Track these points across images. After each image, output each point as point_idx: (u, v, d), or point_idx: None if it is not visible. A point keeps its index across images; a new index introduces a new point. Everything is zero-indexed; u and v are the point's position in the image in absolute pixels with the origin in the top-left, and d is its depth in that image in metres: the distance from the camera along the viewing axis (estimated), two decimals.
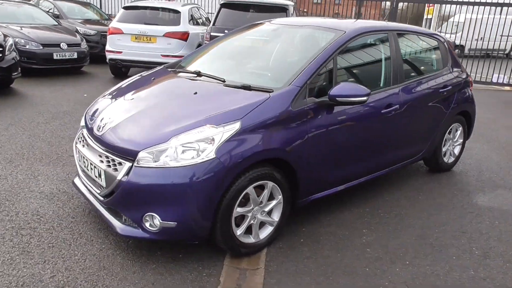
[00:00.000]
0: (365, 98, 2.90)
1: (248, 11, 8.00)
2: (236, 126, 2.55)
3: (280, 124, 2.72)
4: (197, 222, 2.52)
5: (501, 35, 11.15)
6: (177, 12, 8.51)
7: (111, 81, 8.58)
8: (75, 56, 8.77)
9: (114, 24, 8.47)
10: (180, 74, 3.41)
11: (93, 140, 2.85)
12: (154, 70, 3.72)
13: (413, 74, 3.87)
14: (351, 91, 2.89)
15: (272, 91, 2.83)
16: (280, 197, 2.83)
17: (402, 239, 3.07)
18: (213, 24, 7.83)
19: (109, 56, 8.41)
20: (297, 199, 2.98)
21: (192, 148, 2.47)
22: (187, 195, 2.45)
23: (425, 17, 30.33)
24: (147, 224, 2.54)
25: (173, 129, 2.57)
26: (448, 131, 4.29)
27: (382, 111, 3.35)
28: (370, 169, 3.52)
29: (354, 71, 3.42)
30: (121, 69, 8.87)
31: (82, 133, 3.05)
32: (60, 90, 7.40)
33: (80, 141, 3.02)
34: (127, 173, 2.52)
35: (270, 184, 2.74)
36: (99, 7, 15.03)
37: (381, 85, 3.47)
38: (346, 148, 3.20)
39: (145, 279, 2.49)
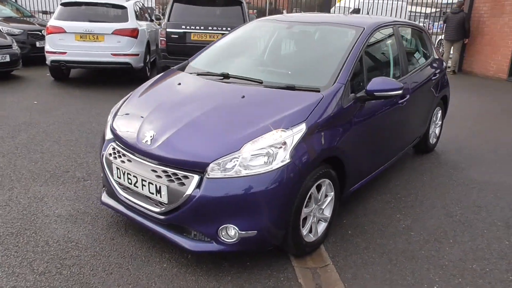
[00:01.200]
0: (401, 91, 3.05)
1: (202, 5, 7.80)
2: (303, 127, 2.55)
3: (335, 121, 2.77)
4: (276, 228, 2.50)
5: None
6: (123, 7, 8.01)
7: (54, 84, 7.88)
8: (7, 59, 7.87)
9: (53, 22, 7.72)
10: (208, 77, 3.27)
11: (139, 155, 2.64)
12: (169, 74, 3.52)
13: (412, 64, 4.14)
14: (386, 85, 3.02)
15: (319, 90, 2.86)
16: (333, 193, 2.89)
17: (434, 220, 3.31)
18: (168, 20, 7.52)
19: (50, 57, 7.66)
20: (342, 193, 3.06)
21: (263, 154, 2.42)
22: (267, 202, 2.40)
23: (337, 4, 32.03)
24: (223, 237, 2.44)
25: (242, 136, 2.49)
26: (433, 114, 4.67)
27: (399, 101, 3.55)
28: (388, 157, 3.73)
29: (375, 64, 3.56)
30: (63, 72, 8.16)
31: (116, 147, 2.81)
32: (3, 99, 6.62)
33: (117, 156, 2.77)
34: (198, 186, 2.39)
35: (327, 181, 2.79)
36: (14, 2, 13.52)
37: (397, 76, 3.67)
38: (375, 139, 3.35)
39: None
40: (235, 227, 2.41)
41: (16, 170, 3.89)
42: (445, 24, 11.15)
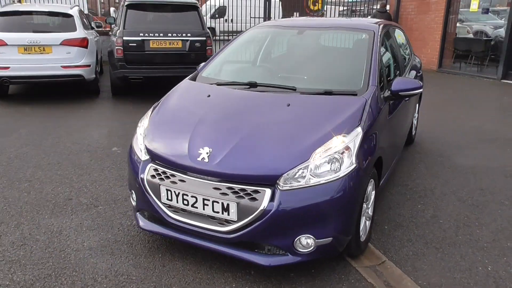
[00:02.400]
0: (421, 89, 3.24)
1: (157, 11, 7.53)
2: (359, 131, 2.61)
3: (377, 123, 2.87)
4: (347, 231, 2.53)
5: (251, 17, 12.08)
6: (69, 15, 7.44)
7: None
8: None
9: None
10: (234, 87, 3.19)
11: (195, 173, 2.51)
12: (187, 86, 3.37)
13: (406, 62, 4.40)
14: (409, 85, 3.19)
15: (356, 94, 2.94)
16: (374, 191, 2.99)
17: (452, 206, 3.56)
18: (124, 28, 7.13)
19: None
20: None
21: (330, 161, 2.44)
22: (340, 207, 2.42)
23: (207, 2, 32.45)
24: (299, 247, 2.42)
25: (308, 144, 2.48)
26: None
27: (406, 98, 3.76)
28: (399, 150, 3.94)
29: (385, 65, 3.72)
30: (2, 88, 7.38)
31: (160, 168, 2.63)
32: None
33: (164, 178, 2.60)
34: (271, 200, 2.34)
35: (372, 181, 2.88)
36: None
37: (400, 74, 3.88)
38: (392, 134, 3.51)
39: None
40: (311, 236, 2.40)
41: (11, 204, 3.47)
42: None
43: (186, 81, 3.50)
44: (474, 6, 10.19)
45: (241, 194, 2.39)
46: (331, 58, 3.58)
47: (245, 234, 2.41)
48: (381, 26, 3.70)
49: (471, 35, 11.64)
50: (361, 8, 14.06)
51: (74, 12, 7.63)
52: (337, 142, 2.49)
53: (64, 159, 4.54)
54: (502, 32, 11.19)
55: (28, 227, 3.11)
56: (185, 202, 2.53)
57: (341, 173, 2.41)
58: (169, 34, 7.21)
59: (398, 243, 3.01)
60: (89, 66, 7.41)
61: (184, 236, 2.63)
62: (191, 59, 7.36)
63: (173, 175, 2.58)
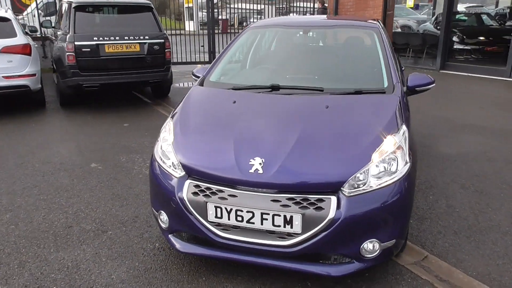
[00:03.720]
0: (434, 84, 3.32)
1: (109, 13, 7.00)
2: (405, 129, 2.59)
3: (409, 119, 2.88)
4: (406, 229, 2.50)
5: None
6: (6, 19, 6.63)
7: None
8: None
9: None
10: (255, 90, 3.02)
11: (248, 186, 2.32)
12: (202, 93, 3.13)
13: None
14: (423, 80, 3.25)
15: (385, 92, 2.92)
16: None
17: (459, 194, 3.71)
18: (74, 32, 6.53)
19: None
20: None
21: (387, 162, 2.39)
22: (401, 207, 2.39)
23: (185, 5, 32.06)
24: (365, 253, 2.34)
25: (365, 147, 2.40)
26: None
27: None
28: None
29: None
30: None
31: (202, 184, 2.40)
32: None
33: (209, 194, 2.37)
34: (337, 207, 2.24)
35: None
36: None
37: (401, 69, 3.95)
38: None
39: None
40: (377, 240, 2.33)
41: (1, 240, 2.99)
42: None
43: (198, 88, 3.26)
44: (410, 2, 10.84)
45: (305, 204, 2.25)
46: (345, 57, 3.53)
47: (309, 246, 2.28)
48: (379, 23, 3.74)
49: (399, 30, 12.42)
50: (300, 5, 14.33)
51: (10, 15, 6.84)
52: (391, 143, 2.45)
53: (40, 181, 4.03)
54: (428, 26, 12.09)
55: (36, 265, 2.69)
56: (239, 218, 2.33)
57: (399, 174, 2.37)
58: (126, 37, 6.74)
59: (431, 236, 3.05)
60: (34, 75, 6.68)
61: (235, 255, 2.43)
62: (150, 63, 6.97)
63: (220, 191, 2.36)
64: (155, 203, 2.72)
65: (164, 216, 2.61)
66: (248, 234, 2.36)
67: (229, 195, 2.34)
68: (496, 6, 13.28)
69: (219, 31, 15.93)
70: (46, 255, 2.80)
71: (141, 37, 6.85)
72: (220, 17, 22.81)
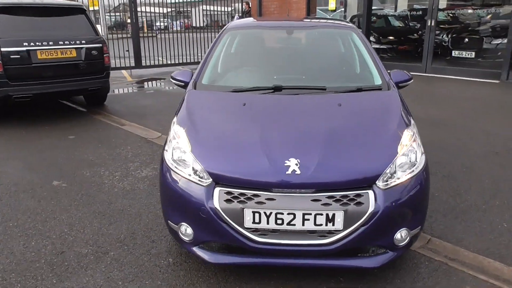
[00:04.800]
0: (412, 80, 3.57)
1: (37, 16, 6.32)
2: (413, 122, 2.77)
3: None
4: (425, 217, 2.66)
5: None
6: None
7: None
8: None
9: None
10: (260, 92, 3.00)
11: (285, 188, 2.30)
12: (203, 96, 3.01)
13: None
14: (404, 76, 3.46)
15: (381, 88, 3.09)
16: None
17: (435, 180, 4.01)
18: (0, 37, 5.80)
19: None
20: None
21: (408, 154, 2.53)
22: (425, 195, 2.55)
23: (91, 8, 30.21)
24: (397, 242, 2.45)
25: (389, 141, 2.52)
26: None
27: None
28: None
29: None
30: None
31: (234, 190, 2.32)
32: None
33: (244, 200, 2.29)
34: (375, 201, 2.32)
35: None
36: None
37: None
38: None
39: None
40: (407, 228, 2.46)
41: None
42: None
43: (194, 92, 3.12)
44: (332, 5, 11.49)
45: (345, 201, 2.29)
46: (334, 56, 3.64)
47: (350, 241, 2.33)
48: (351, 23, 3.94)
49: None
50: (223, 8, 14.35)
51: None
52: (408, 136, 2.60)
53: (12, 202, 3.56)
54: None
55: None
56: (279, 221, 2.30)
57: (420, 164, 2.53)
58: (60, 42, 6.18)
59: (427, 220, 3.28)
60: None
61: (272, 259, 2.40)
62: (88, 69, 6.48)
63: (256, 195, 2.31)
64: (172, 216, 2.56)
65: (186, 228, 2.47)
66: (286, 236, 2.34)
67: (267, 199, 2.30)
68: (395, 9, 14.69)
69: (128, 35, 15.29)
70: (51, 287, 2.48)
71: (77, 42, 6.34)
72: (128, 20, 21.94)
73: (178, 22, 18.91)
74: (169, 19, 19.01)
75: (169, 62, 11.97)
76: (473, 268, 2.71)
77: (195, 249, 2.50)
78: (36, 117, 6.68)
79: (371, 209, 2.28)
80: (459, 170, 4.28)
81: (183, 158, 2.53)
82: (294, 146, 2.45)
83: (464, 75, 9.18)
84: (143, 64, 11.57)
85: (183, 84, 3.45)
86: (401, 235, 2.44)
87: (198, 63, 12.49)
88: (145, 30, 18.87)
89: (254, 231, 2.33)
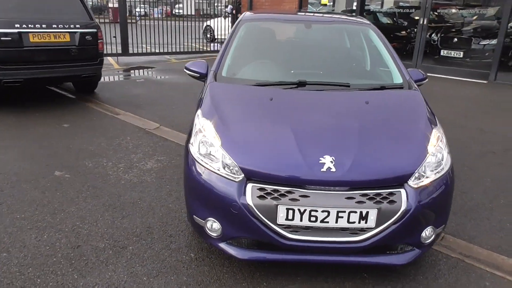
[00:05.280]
0: (427, 79, 3.60)
1: None
2: (437, 122, 2.80)
3: None
4: None
5: None
6: None
7: None
8: None
9: None
10: (285, 86, 2.98)
11: (320, 185, 2.29)
12: (230, 91, 2.97)
13: None
14: (419, 75, 3.51)
15: (403, 87, 3.11)
16: None
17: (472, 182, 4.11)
18: None
19: None
20: None
21: (436, 153, 2.55)
22: (450, 195, 2.59)
23: None
24: (424, 239, 2.48)
25: (419, 141, 2.55)
26: None
27: None
28: None
29: None
30: None
31: (267, 187, 2.30)
32: None
33: (278, 196, 2.27)
34: (407, 199, 2.34)
35: None
36: None
37: None
38: None
39: None
40: (433, 227, 2.49)
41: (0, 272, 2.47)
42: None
43: (217, 84, 3.05)
44: None
45: (378, 199, 2.30)
46: (354, 53, 3.64)
47: (381, 239, 2.35)
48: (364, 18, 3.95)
49: None
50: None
51: None
52: (436, 135, 2.63)
53: (2, 196, 3.40)
54: None
55: None
56: (313, 218, 2.29)
57: (447, 164, 2.56)
58: (54, 26, 5.94)
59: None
60: None
61: (303, 256, 2.40)
62: (82, 55, 6.27)
63: (289, 192, 2.29)
64: (200, 211, 2.51)
65: (214, 224, 2.43)
66: (318, 233, 2.33)
67: (301, 196, 2.28)
68: (382, 6, 14.84)
69: (110, 20, 14.85)
70: (73, 282, 2.40)
71: (71, 26, 6.12)
72: (110, 4, 21.26)
73: (157, 9, 18.67)
74: (149, 6, 18.73)
75: (155, 50, 11.71)
76: (489, 265, 2.78)
77: (222, 245, 2.47)
78: (25, 103, 6.43)
79: (403, 207, 2.30)
80: (461, 169, 4.37)
81: (211, 152, 2.48)
82: (328, 143, 2.44)
83: (453, 75, 9.37)
84: (130, 51, 11.29)
85: (198, 75, 3.39)
86: (428, 233, 2.48)
87: (188, 52, 12.31)
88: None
89: (286, 227, 2.32)
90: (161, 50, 11.71)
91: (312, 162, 2.32)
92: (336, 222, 2.29)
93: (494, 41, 8.89)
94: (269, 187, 2.30)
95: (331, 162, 2.32)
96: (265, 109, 2.74)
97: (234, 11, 12.55)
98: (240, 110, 2.76)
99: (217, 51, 13.02)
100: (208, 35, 17.02)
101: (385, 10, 13.78)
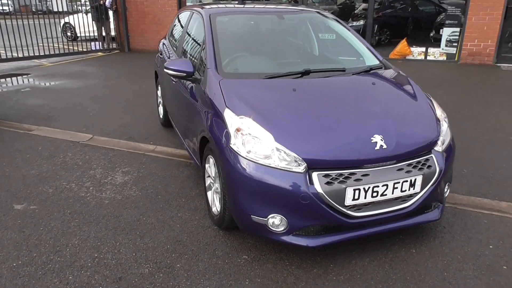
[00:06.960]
0: None
1: None
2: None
3: None
4: None
5: None
6: None
7: None
8: None
9: None
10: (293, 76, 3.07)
11: (377, 163, 2.48)
12: (248, 85, 2.91)
13: None
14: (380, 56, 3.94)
15: (382, 67, 3.47)
16: None
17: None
18: None
19: None
20: None
21: (443, 119, 2.97)
22: (453, 157, 3.03)
23: None
24: (444, 195, 2.87)
25: (430, 112, 2.91)
26: None
27: None
28: None
29: None
30: None
31: (330, 173, 2.40)
32: None
33: (343, 179, 2.39)
34: (437, 162, 2.69)
35: None
36: None
37: None
38: None
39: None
40: (449, 183, 2.91)
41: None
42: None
43: (228, 81, 2.95)
44: None
45: (419, 166, 2.61)
46: (328, 38, 3.82)
47: (424, 200, 2.66)
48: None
49: None
50: None
51: None
52: (436, 104, 3.04)
53: None
54: None
55: None
56: (375, 194, 2.48)
57: (449, 129, 3.00)
58: None
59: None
60: None
61: (365, 230, 2.58)
62: None
63: (352, 174, 2.44)
64: (259, 210, 2.48)
65: (278, 219, 2.45)
66: (377, 206, 2.54)
67: (362, 175, 2.45)
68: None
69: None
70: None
71: None
72: None
73: None
74: None
75: (19, 55, 10.16)
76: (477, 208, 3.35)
77: (288, 238, 2.49)
78: None
79: (439, 169, 2.65)
80: None
81: (264, 148, 2.46)
82: (370, 124, 2.63)
83: None
84: None
85: (184, 74, 3.23)
86: (446, 188, 2.89)
87: (60, 55, 10.89)
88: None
89: (352, 207, 2.46)
90: (26, 54, 10.13)
91: (366, 143, 2.50)
92: (393, 193, 2.52)
93: None
94: (333, 173, 2.41)
95: (381, 140, 2.52)
96: (295, 100, 2.79)
97: (115, 7, 11.61)
98: (271, 103, 2.75)
99: (100, 50, 11.95)
100: (69, 34, 15.44)
101: None
